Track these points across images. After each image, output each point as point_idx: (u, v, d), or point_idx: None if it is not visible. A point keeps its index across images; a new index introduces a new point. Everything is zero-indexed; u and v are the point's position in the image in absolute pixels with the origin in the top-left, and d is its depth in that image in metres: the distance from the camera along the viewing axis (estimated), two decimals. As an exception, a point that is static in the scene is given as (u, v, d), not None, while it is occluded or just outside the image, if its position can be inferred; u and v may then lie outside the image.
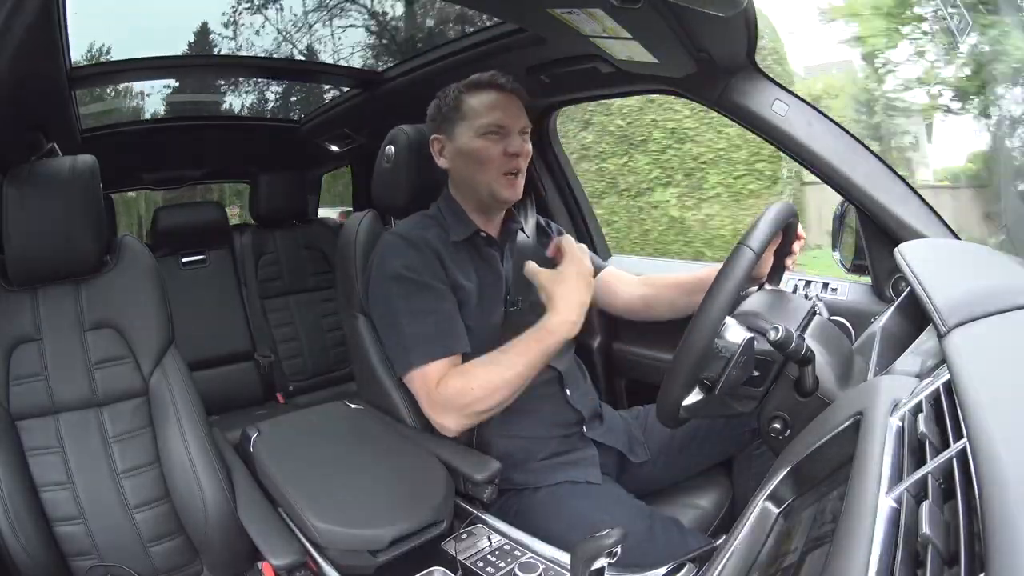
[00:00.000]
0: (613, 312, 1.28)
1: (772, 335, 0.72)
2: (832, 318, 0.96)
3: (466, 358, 1.02)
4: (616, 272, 1.26)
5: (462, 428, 0.98)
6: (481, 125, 1.05)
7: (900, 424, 0.46)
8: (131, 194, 4.08)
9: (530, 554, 0.82)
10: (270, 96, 2.55)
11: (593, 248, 1.68)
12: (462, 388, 0.95)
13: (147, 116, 2.28)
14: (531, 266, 0.97)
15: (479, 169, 1.06)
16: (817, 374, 0.76)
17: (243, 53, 2.37)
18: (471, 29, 1.50)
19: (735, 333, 0.75)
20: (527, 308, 1.10)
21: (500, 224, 1.15)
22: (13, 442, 1.00)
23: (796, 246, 1.01)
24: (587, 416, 1.11)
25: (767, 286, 0.98)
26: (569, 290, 0.93)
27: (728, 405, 0.79)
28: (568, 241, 0.98)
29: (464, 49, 1.46)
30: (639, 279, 1.25)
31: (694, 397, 0.79)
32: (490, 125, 1.05)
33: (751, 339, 0.74)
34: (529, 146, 1.08)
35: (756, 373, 0.75)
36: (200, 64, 2.05)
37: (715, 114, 1.40)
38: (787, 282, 1.20)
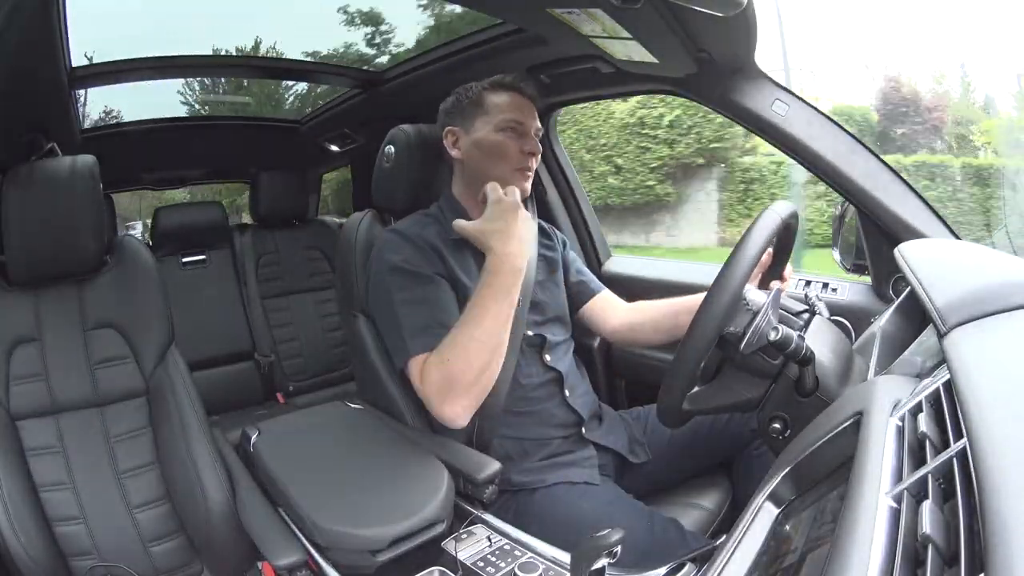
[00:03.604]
0: (602, 335, 1.32)
1: (772, 335, 0.72)
2: (832, 318, 0.96)
3: None
4: (609, 298, 1.28)
5: (464, 412, 0.95)
6: (501, 120, 1.08)
7: (900, 424, 0.46)
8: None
9: (530, 554, 0.81)
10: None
11: (594, 248, 1.68)
12: (439, 365, 0.93)
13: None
14: (458, 222, 1.02)
15: (496, 162, 1.08)
16: (817, 374, 0.76)
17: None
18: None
19: (757, 292, 0.76)
20: (525, 306, 1.10)
21: None
22: (13, 442, 1.00)
23: (782, 284, 1.04)
24: (586, 417, 1.11)
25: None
26: (497, 227, 0.97)
27: (734, 391, 0.79)
28: (492, 187, 1.02)
29: (464, 49, 1.46)
30: (628, 305, 1.27)
31: (699, 387, 0.79)
32: (510, 121, 1.08)
33: (778, 290, 0.76)
34: (540, 148, 1.12)
35: (772, 342, 0.73)
36: (200, 64, 2.05)
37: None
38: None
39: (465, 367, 0.92)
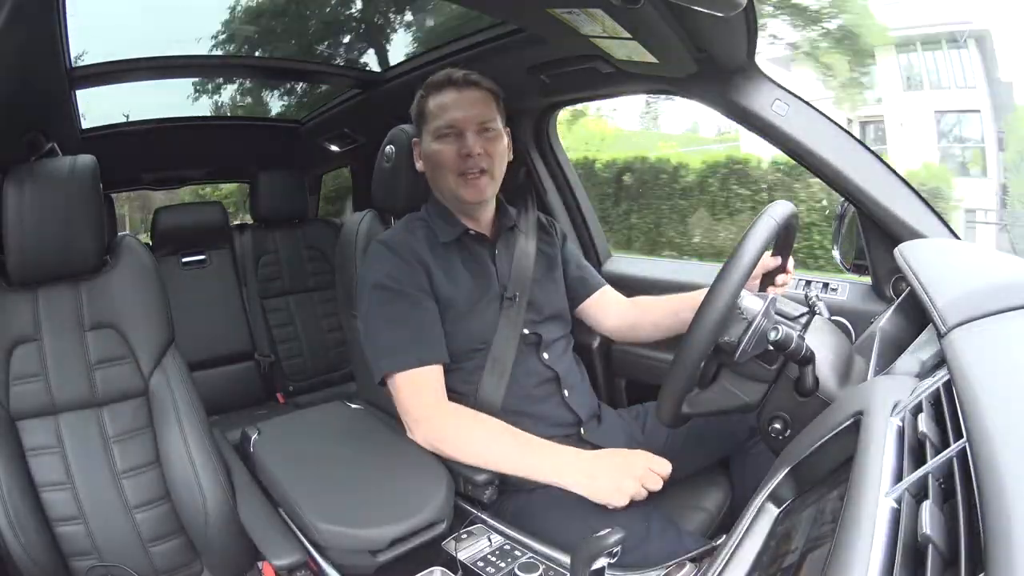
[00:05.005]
0: (601, 332, 1.30)
1: (772, 335, 0.72)
2: (832, 318, 0.96)
3: (446, 368, 1.02)
4: (610, 293, 1.27)
5: (422, 444, 0.98)
6: (436, 128, 1.04)
7: (900, 424, 0.46)
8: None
9: (530, 554, 0.82)
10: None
11: (594, 248, 1.68)
12: (454, 423, 0.96)
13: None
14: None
15: (440, 174, 1.06)
16: (817, 374, 0.76)
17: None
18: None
19: (752, 300, 0.76)
20: (523, 303, 1.10)
21: (491, 220, 1.15)
22: (13, 442, 1.00)
23: (783, 278, 1.04)
24: (584, 417, 1.11)
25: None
26: (615, 475, 0.89)
27: (733, 394, 0.78)
28: (666, 468, 0.92)
29: (464, 49, 1.46)
30: (629, 301, 1.26)
31: (697, 390, 0.79)
32: (442, 127, 1.04)
33: (773, 298, 0.75)
34: (496, 144, 1.06)
35: (772, 342, 0.73)
36: (200, 64, 2.05)
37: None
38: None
39: (459, 449, 0.95)
